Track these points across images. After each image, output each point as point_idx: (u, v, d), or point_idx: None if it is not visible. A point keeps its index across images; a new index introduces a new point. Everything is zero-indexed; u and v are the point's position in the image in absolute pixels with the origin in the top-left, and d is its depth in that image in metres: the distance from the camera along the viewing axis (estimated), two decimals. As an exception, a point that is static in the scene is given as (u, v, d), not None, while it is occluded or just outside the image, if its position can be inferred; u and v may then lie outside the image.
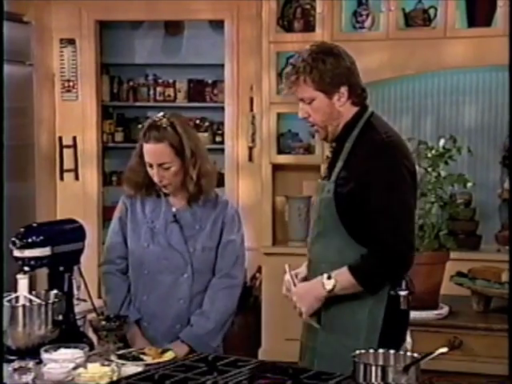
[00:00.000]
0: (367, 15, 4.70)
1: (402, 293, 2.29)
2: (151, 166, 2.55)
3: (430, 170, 3.54)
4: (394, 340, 2.21)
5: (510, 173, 2.06)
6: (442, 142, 3.60)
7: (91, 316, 2.50)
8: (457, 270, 3.49)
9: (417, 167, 3.18)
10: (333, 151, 2.34)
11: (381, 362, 1.95)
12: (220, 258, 2.62)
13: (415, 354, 1.94)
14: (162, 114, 2.60)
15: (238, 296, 2.66)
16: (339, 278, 2.22)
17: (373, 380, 1.87)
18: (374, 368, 1.88)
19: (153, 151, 2.53)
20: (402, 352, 1.99)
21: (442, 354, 1.96)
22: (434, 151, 3.55)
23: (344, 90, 2.25)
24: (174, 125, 2.53)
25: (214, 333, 2.59)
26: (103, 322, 2.39)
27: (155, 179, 2.56)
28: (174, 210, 2.61)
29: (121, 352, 2.25)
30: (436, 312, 3.35)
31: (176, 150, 2.52)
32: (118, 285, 2.66)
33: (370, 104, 5.54)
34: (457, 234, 4.25)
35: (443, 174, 3.51)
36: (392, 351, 2.00)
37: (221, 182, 5.40)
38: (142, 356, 2.24)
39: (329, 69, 2.22)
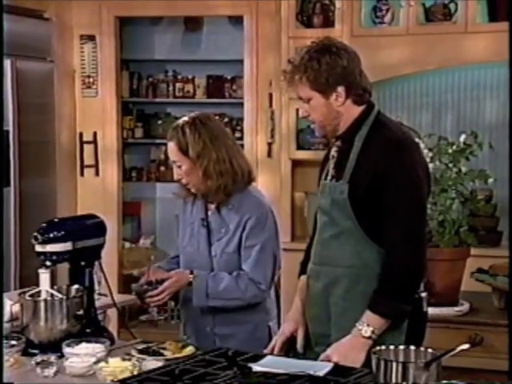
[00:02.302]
0: (387, 10, 4.67)
1: (423, 294, 2.27)
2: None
3: (450, 165, 3.51)
4: (416, 341, 2.16)
5: (510, 173, 2.02)
6: (462, 137, 3.57)
7: (133, 285, 2.60)
8: (477, 267, 3.46)
9: (430, 165, 3.21)
10: (339, 151, 2.28)
11: (401, 359, 1.95)
12: (243, 261, 2.60)
13: (431, 350, 1.94)
14: (188, 115, 2.65)
15: (253, 298, 2.60)
16: (371, 321, 2.14)
17: (393, 376, 1.86)
18: (394, 364, 1.87)
19: (168, 149, 2.64)
20: (422, 348, 1.98)
21: (463, 350, 1.95)
22: (454, 147, 3.53)
23: (341, 89, 2.20)
24: (184, 126, 2.58)
25: (213, 295, 2.57)
26: (145, 286, 2.50)
27: (174, 177, 2.63)
28: (209, 212, 2.65)
29: (141, 347, 2.26)
30: (457, 309, 3.34)
31: (182, 150, 2.58)
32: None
33: (390, 100, 5.51)
34: (477, 230, 4.22)
35: (464, 169, 3.49)
36: (413, 347, 1.99)
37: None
38: (161, 351, 2.25)
39: (324, 69, 2.18)
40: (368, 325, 2.14)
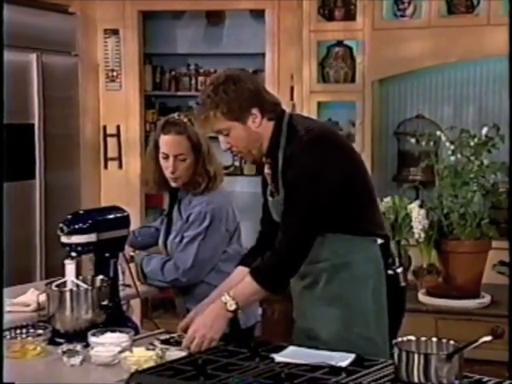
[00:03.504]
0: (409, 3, 4.64)
1: (399, 270, 2.34)
2: (166, 157, 2.73)
3: (472, 158, 3.50)
4: (397, 316, 2.31)
5: (510, 172, 1.98)
6: (484, 130, 3.55)
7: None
8: (499, 259, 3.44)
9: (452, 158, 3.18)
10: (270, 167, 2.31)
11: (423, 350, 1.94)
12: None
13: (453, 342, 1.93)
14: (177, 113, 2.84)
15: (174, 282, 2.79)
16: (238, 293, 2.20)
17: (415, 368, 1.85)
18: (416, 356, 1.86)
19: (171, 142, 2.72)
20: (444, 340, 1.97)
21: (485, 342, 1.94)
22: (476, 140, 3.51)
23: (255, 111, 2.21)
24: (193, 123, 2.72)
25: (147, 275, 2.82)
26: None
27: (169, 170, 2.73)
28: (166, 206, 2.89)
29: (163, 337, 2.27)
30: (478, 301, 3.32)
31: (193, 144, 2.71)
32: None
33: (412, 93, 5.46)
34: (499, 222, 4.18)
35: (486, 162, 3.47)
36: (435, 339, 1.98)
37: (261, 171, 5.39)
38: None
39: (233, 97, 2.17)
40: (234, 298, 2.19)
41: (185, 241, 2.76)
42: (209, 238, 2.75)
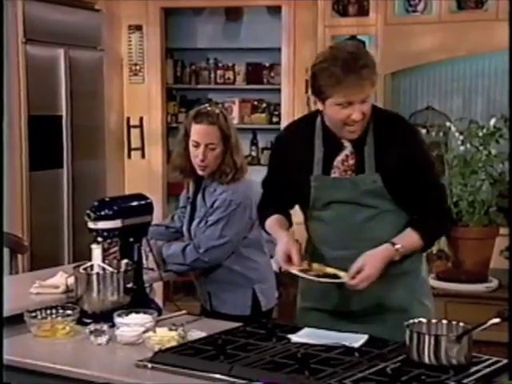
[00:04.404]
0: (420, -1, 4.60)
1: None
2: (197, 146, 2.71)
3: (480, 148, 3.47)
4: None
5: (510, 171, 1.96)
6: (493, 121, 3.52)
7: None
8: (506, 245, 3.42)
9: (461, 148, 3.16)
10: (354, 146, 2.18)
11: (433, 332, 1.93)
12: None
13: (462, 324, 1.92)
14: (209, 104, 2.89)
15: (194, 263, 2.76)
16: (403, 242, 2.15)
17: (426, 349, 1.85)
18: (427, 337, 1.86)
19: (204, 131, 2.70)
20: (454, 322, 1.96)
21: (494, 324, 1.93)
22: (484, 130, 3.48)
23: None
24: (225, 115, 2.75)
25: (162, 258, 2.79)
26: None
27: (199, 158, 2.71)
28: (190, 194, 2.84)
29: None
30: (486, 285, 3.30)
31: (224, 134, 2.70)
32: None
33: (423, 86, 5.42)
34: (506, 210, 4.16)
35: (494, 152, 3.44)
36: (445, 321, 1.97)
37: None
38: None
39: (375, 65, 2.10)
40: (398, 244, 2.14)
41: (207, 224, 2.74)
42: (232, 223, 2.72)
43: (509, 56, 1.73)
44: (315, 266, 2.16)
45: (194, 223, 2.81)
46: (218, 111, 2.73)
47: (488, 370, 1.82)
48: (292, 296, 3.78)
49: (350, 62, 2.04)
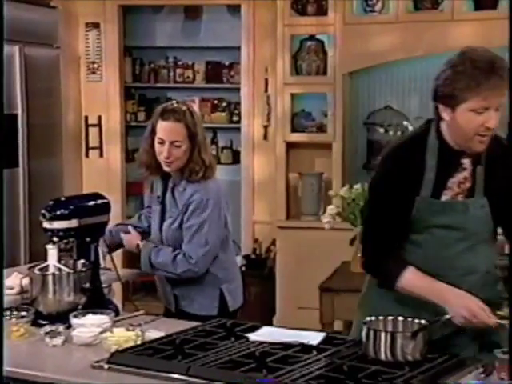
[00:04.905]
0: (378, -1, 4.65)
1: None
2: (162, 143, 2.68)
3: (437, 147, 3.51)
4: None
5: (510, 171, 1.98)
6: (448, 120, 3.56)
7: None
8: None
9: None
10: (472, 163, 2.05)
11: (390, 329, 1.95)
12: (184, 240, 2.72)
13: (423, 321, 1.94)
14: (175, 101, 2.79)
15: (185, 273, 2.69)
16: None
17: (382, 345, 1.87)
18: (383, 334, 1.88)
19: (170, 129, 2.66)
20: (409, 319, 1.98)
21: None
22: (440, 129, 3.52)
23: None
24: (192, 113, 2.70)
25: (155, 266, 2.72)
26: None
27: (163, 155, 2.67)
28: (159, 193, 2.79)
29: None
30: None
31: (190, 132, 2.66)
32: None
33: (381, 85, 5.45)
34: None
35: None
36: (401, 318, 1.99)
37: (237, 159, 5.39)
38: None
39: None
40: None
41: (192, 231, 2.67)
42: (213, 224, 2.68)
43: (509, 55, 1.73)
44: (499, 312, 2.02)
45: (166, 224, 2.75)
46: (184, 108, 2.68)
47: (442, 365, 1.85)
48: (252, 296, 3.77)
49: (491, 64, 1.96)
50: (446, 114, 2.00)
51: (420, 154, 2.05)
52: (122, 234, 2.81)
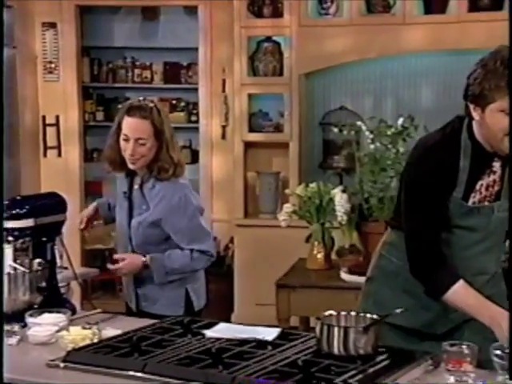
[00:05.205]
0: (332, 2, 4.68)
1: None
2: (127, 139, 2.62)
3: (389, 146, 3.55)
4: None
5: (510, 171, 1.95)
6: (400, 120, 3.60)
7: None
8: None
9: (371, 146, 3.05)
10: (503, 166, 2.01)
11: (343, 324, 1.96)
12: (183, 241, 2.66)
13: (375, 316, 1.96)
14: (142, 98, 2.70)
15: (203, 267, 2.73)
16: None
17: (335, 340, 1.87)
18: (336, 329, 1.89)
19: (135, 125, 2.60)
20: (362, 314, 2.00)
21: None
22: (393, 129, 3.56)
23: None
24: (159, 111, 2.63)
25: (171, 272, 2.65)
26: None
27: (128, 152, 2.62)
28: (135, 187, 2.70)
29: None
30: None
31: (156, 130, 2.60)
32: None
33: (335, 86, 5.47)
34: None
35: (402, 150, 3.52)
36: (353, 313, 2.00)
37: (196, 159, 5.37)
38: None
39: None
40: None
41: (191, 228, 2.64)
42: (198, 215, 2.70)
43: (509, 54, 1.71)
44: None
45: (135, 221, 2.68)
46: (151, 105, 2.61)
47: (393, 358, 1.87)
48: (211, 293, 3.77)
49: None
50: (476, 114, 1.93)
51: (455, 154, 1.98)
52: (113, 266, 2.65)
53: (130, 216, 2.71)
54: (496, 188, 2.02)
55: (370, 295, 2.23)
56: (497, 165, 2.02)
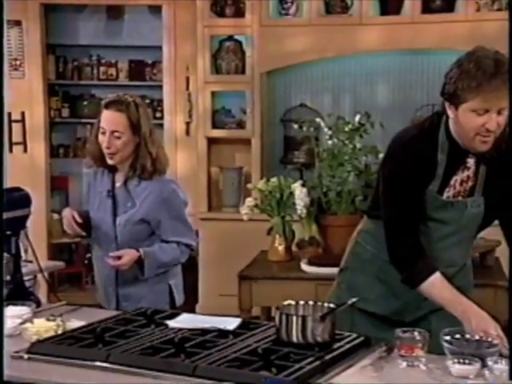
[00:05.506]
0: (292, 2, 4.68)
1: None
2: (104, 132, 2.57)
3: (347, 142, 3.58)
4: None
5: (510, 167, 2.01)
6: (357, 117, 3.63)
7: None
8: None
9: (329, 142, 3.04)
10: (477, 166, 2.02)
11: (301, 313, 1.97)
12: (170, 234, 2.62)
13: (331, 305, 1.97)
14: (124, 93, 2.64)
15: (187, 259, 2.70)
16: None
17: (294, 329, 1.88)
18: (294, 318, 1.90)
19: (110, 118, 2.55)
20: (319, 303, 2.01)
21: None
22: (350, 126, 3.59)
23: None
24: (138, 105, 2.57)
25: (161, 266, 2.61)
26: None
27: (104, 144, 2.56)
28: (117, 185, 2.62)
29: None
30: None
31: (132, 123, 2.54)
32: None
33: (295, 84, 5.49)
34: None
35: (359, 145, 3.56)
36: (311, 302, 2.01)
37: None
38: None
39: None
40: None
41: (179, 221, 2.62)
42: (184, 209, 2.68)
43: (509, 54, 1.72)
44: None
45: (122, 219, 2.60)
46: (129, 100, 2.55)
47: (349, 345, 1.89)
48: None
49: (495, 66, 1.86)
50: (450, 112, 1.94)
51: (432, 148, 1.99)
52: (115, 263, 2.53)
53: (114, 214, 2.62)
54: (470, 183, 2.03)
55: (343, 282, 2.25)
56: (471, 161, 2.03)
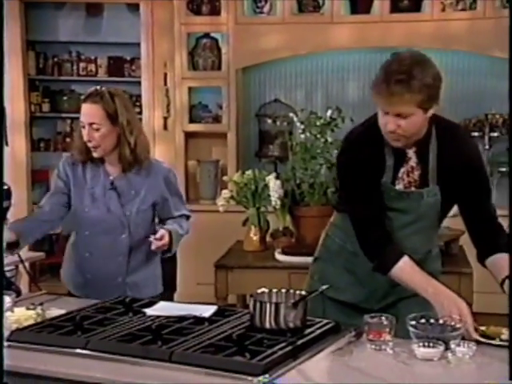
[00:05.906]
0: (266, 1, 4.68)
1: None
2: (83, 126, 2.52)
3: (319, 136, 3.59)
4: None
5: (511, 171, 1.97)
6: (329, 112, 3.64)
7: None
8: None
9: (302, 136, 3.05)
10: (418, 155, 2.03)
11: (274, 300, 1.97)
12: (176, 210, 2.65)
13: (303, 292, 1.97)
14: (102, 86, 2.58)
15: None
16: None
17: (267, 315, 1.88)
18: (268, 305, 1.89)
19: (87, 111, 2.49)
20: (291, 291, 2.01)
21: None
22: (322, 120, 3.60)
23: (438, 102, 1.94)
24: (113, 96, 2.49)
25: (179, 238, 2.62)
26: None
27: (85, 138, 2.51)
28: (111, 178, 2.56)
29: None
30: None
31: (108, 114, 2.47)
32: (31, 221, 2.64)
33: (270, 80, 5.50)
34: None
35: (330, 139, 3.57)
36: (284, 290, 2.01)
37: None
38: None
39: (436, 87, 1.91)
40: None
41: (178, 199, 2.67)
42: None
43: (509, 56, 1.72)
44: (492, 328, 1.91)
45: (132, 207, 2.54)
46: (105, 91, 2.48)
47: (319, 331, 1.89)
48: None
49: (390, 73, 1.88)
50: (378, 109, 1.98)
51: (378, 144, 2.00)
52: (159, 243, 2.47)
53: (121, 205, 2.55)
54: (416, 173, 2.04)
55: (316, 273, 2.28)
56: (410, 151, 2.05)
